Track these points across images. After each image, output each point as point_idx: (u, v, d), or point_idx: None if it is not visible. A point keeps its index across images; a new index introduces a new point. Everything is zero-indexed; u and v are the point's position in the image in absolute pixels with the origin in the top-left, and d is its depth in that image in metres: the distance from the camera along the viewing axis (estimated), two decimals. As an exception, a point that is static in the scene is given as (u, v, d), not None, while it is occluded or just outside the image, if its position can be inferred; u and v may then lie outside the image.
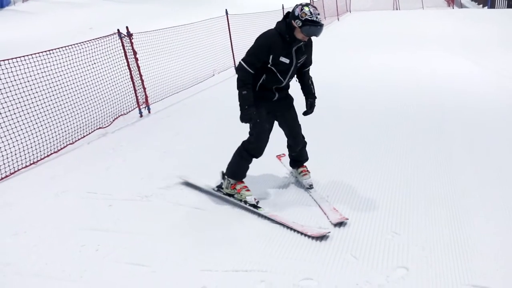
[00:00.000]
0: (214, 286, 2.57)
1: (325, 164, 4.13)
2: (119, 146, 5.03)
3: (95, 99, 5.79)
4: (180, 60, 7.44)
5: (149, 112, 6.21)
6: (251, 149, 3.36)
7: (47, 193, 3.88)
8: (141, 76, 6.08)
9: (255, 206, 3.33)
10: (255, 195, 3.45)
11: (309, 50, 3.32)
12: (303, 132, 3.64)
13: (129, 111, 6.00)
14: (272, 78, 3.23)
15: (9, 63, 4.64)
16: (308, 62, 3.41)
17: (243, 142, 3.44)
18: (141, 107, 6.07)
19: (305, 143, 3.65)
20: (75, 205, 3.64)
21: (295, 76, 3.44)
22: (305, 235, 2.98)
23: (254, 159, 3.44)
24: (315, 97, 3.52)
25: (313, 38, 3.18)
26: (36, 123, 4.89)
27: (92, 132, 5.36)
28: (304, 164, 3.74)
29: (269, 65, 3.15)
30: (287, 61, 3.14)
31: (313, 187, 3.63)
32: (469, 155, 4.37)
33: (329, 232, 2.97)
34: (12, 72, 4.74)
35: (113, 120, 5.70)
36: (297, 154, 3.69)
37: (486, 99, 6.37)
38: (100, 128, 5.48)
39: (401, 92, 6.84)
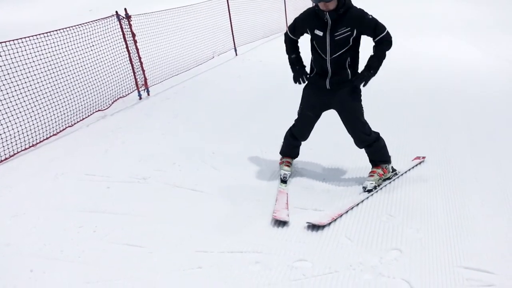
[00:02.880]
0: (209, 266, 2.60)
1: (313, 145, 4.07)
2: (118, 128, 5.04)
3: (94, 81, 5.78)
4: (180, 42, 7.39)
5: (148, 94, 6.20)
6: (294, 131, 3.48)
7: (46, 175, 3.91)
8: (140, 58, 6.05)
9: (281, 180, 3.50)
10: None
11: (354, 22, 2.95)
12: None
13: (128, 94, 5.99)
14: (315, 56, 3.15)
15: (6, 46, 4.62)
16: (368, 33, 3.02)
17: (294, 121, 3.48)
18: (140, 89, 6.05)
19: (370, 140, 3.27)
20: (73, 187, 3.67)
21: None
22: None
23: (303, 142, 3.55)
24: (371, 72, 3.05)
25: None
26: (35, 106, 4.91)
27: (91, 114, 5.37)
28: (380, 165, 3.37)
29: (311, 40, 3.13)
30: (320, 33, 3.01)
31: (366, 190, 3.28)
32: (468, 138, 4.34)
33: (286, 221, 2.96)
34: (10, 54, 4.72)
35: (112, 103, 5.70)
36: (367, 152, 3.39)
37: (487, 83, 6.31)
38: (99, 110, 5.48)
39: (399, 75, 6.79)
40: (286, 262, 2.61)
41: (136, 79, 6.00)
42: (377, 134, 3.34)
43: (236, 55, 8.48)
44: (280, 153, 3.66)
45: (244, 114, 5.34)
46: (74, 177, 3.85)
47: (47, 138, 4.76)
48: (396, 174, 3.53)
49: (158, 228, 3.01)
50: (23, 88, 4.98)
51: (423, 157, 3.83)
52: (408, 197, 3.26)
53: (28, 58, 4.99)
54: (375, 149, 3.34)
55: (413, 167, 3.70)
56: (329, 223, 2.92)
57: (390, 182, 3.46)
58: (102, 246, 2.85)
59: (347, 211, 3.07)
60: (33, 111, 4.83)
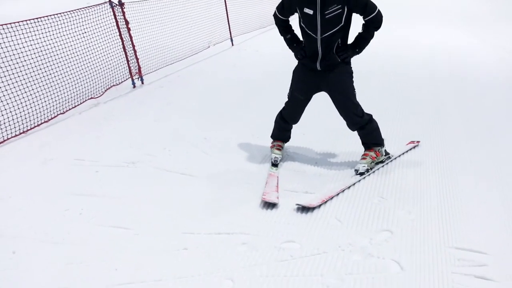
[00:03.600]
0: (195, 247, 2.55)
1: (305, 130, 4.04)
2: (110, 116, 4.98)
3: (87, 69, 5.71)
4: (174, 31, 7.31)
5: (142, 83, 6.13)
6: (284, 114, 3.41)
7: (35, 161, 3.85)
8: (133, 46, 5.98)
9: (272, 164, 3.44)
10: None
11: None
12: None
13: (122, 82, 5.92)
14: (305, 37, 3.03)
15: (-4, 31, 4.55)
16: (358, 11, 2.91)
17: (285, 104, 3.42)
18: (134, 77, 5.98)
19: (363, 122, 3.19)
20: (61, 172, 3.61)
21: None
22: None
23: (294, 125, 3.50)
24: (356, 50, 3.01)
25: None
26: (26, 93, 4.84)
27: (83, 102, 5.30)
28: (373, 148, 3.31)
29: (300, 21, 3.02)
30: (310, 11, 2.89)
31: (358, 173, 3.21)
32: (463, 124, 4.29)
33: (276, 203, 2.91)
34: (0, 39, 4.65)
35: (105, 91, 5.63)
36: (360, 135, 3.33)
37: (484, 70, 6.26)
38: (92, 98, 5.42)
39: (396, 61, 6.73)
40: (273, 243, 2.55)
41: (129, 67, 5.93)
42: (370, 116, 3.26)
43: (232, 45, 8.40)
44: (271, 136, 3.61)
45: (238, 101, 5.28)
46: (63, 162, 3.79)
47: (38, 125, 4.70)
48: (389, 157, 3.47)
49: (145, 211, 2.96)
50: (13, 74, 4.91)
51: (417, 142, 3.77)
52: (401, 180, 3.20)
53: (19, 44, 4.92)
54: (368, 131, 3.26)
55: (407, 151, 3.63)
56: (319, 205, 2.86)
57: (383, 166, 3.40)
58: (88, 228, 2.80)
59: (338, 194, 3.01)
60: (23, 98, 4.77)
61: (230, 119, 4.68)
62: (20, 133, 4.50)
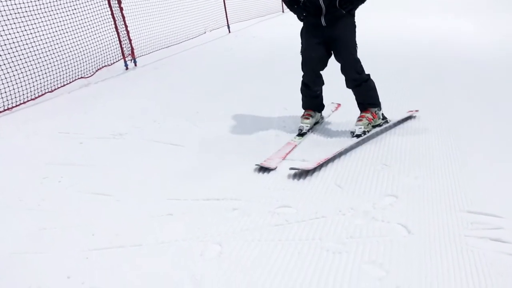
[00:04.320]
0: (181, 213, 2.33)
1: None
2: (100, 94, 4.77)
3: (77, 47, 5.49)
4: (170, 15, 7.10)
5: (136, 65, 5.93)
6: (304, 78, 3.25)
7: (18, 135, 3.64)
8: (126, 26, 5.77)
9: (298, 134, 3.23)
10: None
11: None
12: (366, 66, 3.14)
13: (114, 63, 5.71)
14: None
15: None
16: None
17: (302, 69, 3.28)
18: (126, 59, 5.77)
19: (361, 79, 3.10)
20: (44, 144, 3.40)
21: None
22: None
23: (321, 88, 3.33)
24: (355, 1, 2.95)
25: None
26: (11, 68, 4.62)
27: (73, 81, 5.08)
28: (369, 109, 3.19)
29: None
30: None
31: (355, 135, 3.07)
32: (466, 94, 4.08)
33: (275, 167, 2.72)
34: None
35: (96, 71, 5.42)
36: (356, 94, 3.21)
37: (482, 50, 6.09)
38: (82, 78, 5.20)
39: (399, 44, 6.55)
40: (267, 208, 2.33)
41: (122, 48, 5.72)
42: (368, 75, 3.16)
43: (229, 32, 8.19)
44: (302, 107, 3.41)
45: (233, 79, 5.08)
46: (46, 135, 3.58)
47: (24, 103, 4.48)
48: (387, 122, 3.31)
49: (129, 178, 2.74)
50: (-1, 49, 4.70)
51: (416, 110, 3.58)
52: (405, 146, 2.98)
53: (7, 20, 4.71)
54: (365, 89, 3.15)
55: (405, 118, 3.44)
56: (315, 168, 2.64)
57: (381, 131, 3.19)
58: (66, 195, 2.58)
59: (334, 156, 2.81)
60: (8, 73, 4.55)
61: (223, 95, 4.47)
62: (5, 110, 4.29)
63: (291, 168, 2.63)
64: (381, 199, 2.36)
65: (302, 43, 3.19)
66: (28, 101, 4.53)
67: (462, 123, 3.34)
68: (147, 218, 2.30)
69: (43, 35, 5.12)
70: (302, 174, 2.62)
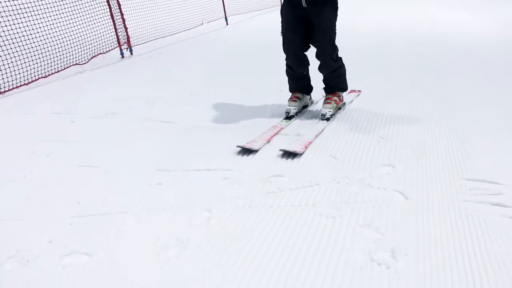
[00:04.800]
0: (170, 183, 2.25)
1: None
2: (95, 80, 4.70)
3: (71, 33, 5.41)
4: (168, 4, 7.04)
5: (131, 53, 5.86)
6: (286, 60, 3.11)
7: (8, 116, 3.56)
8: (122, 14, 5.71)
9: (286, 117, 3.11)
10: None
11: None
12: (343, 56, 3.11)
13: (109, 50, 5.64)
14: None
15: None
16: None
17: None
18: (122, 47, 5.70)
19: (336, 66, 3.04)
20: (35, 123, 3.32)
21: None
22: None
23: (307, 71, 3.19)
24: None
25: None
26: (3, 52, 4.54)
27: (68, 67, 5.01)
28: (336, 92, 3.17)
29: None
30: None
31: (325, 118, 3.01)
32: (464, 76, 4.01)
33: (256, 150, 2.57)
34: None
35: (91, 58, 5.35)
36: (328, 78, 3.13)
37: (479, 39, 6.06)
38: (76, 64, 5.13)
39: (397, 34, 6.49)
40: (259, 177, 2.26)
41: (117, 36, 5.66)
42: (342, 60, 3.11)
43: (227, 24, 8.14)
44: (289, 90, 3.29)
45: (229, 66, 5.01)
46: (38, 115, 3.51)
47: (16, 87, 4.41)
48: (344, 104, 3.32)
49: (119, 152, 2.67)
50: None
51: (359, 91, 3.67)
52: (402, 122, 2.92)
53: (2, 7, 4.65)
54: (338, 75, 3.10)
55: (352, 100, 3.48)
56: (304, 151, 2.53)
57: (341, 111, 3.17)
58: (53, 168, 2.50)
59: (315, 138, 2.72)
60: (0, 58, 4.48)
61: (219, 79, 4.41)
62: (-3, 94, 4.22)
63: (282, 150, 2.51)
64: (378, 168, 2.29)
65: (282, 23, 3.02)
66: (21, 85, 4.46)
67: (461, 99, 3.30)
68: (135, 187, 2.22)
69: (36, 19, 5.05)
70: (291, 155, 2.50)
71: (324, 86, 3.20)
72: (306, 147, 2.55)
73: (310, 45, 3.02)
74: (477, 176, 2.14)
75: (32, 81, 4.58)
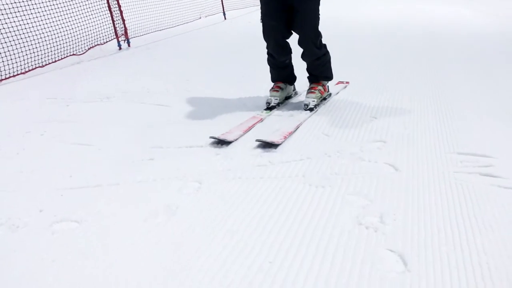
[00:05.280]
0: (162, 158, 2.26)
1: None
2: (91, 69, 4.71)
3: (69, 23, 5.42)
4: (165, -1, 7.07)
5: (129, 45, 5.87)
6: (267, 48, 2.97)
7: (2, 102, 3.56)
8: (119, 6, 5.72)
9: (267, 108, 2.94)
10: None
11: None
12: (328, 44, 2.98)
13: (106, 42, 5.65)
14: None
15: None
16: None
17: None
18: (119, 39, 5.71)
19: (320, 53, 2.89)
20: (30, 108, 3.33)
21: None
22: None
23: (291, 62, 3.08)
24: None
25: None
26: None
27: (65, 57, 5.02)
28: (321, 81, 3.02)
29: None
30: None
31: (309, 109, 2.87)
32: (460, 61, 4.02)
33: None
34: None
35: (89, 49, 5.36)
36: (312, 67, 3.00)
37: (477, 29, 6.10)
38: (74, 55, 5.14)
39: (395, 29, 6.51)
40: (251, 152, 2.26)
41: (115, 27, 5.67)
42: (326, 47, 2.96)
43: (225, 19, 8.15)
44: (271, 79, 3.17)
45: (226, 56, 5.03)
46: (33, 101, 3.51)
47: (13, 76, 4.42)
48: (330, 95, 3.19)
49: (113, 131, 2.67)
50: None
51: (347, 82, 3.54)
52: (395, 103, 2.95)
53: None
54: (322, 63, 2.96)
55: (339, 91, 3.34)
56: (283, 142, 2.36)
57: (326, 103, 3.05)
58: (47, 145, 2.51)
59: (295, 130, 2.55)
60: (-3, 46, 4.49)
61: (216, 68, 4.42)
62: (-7, 82, 4.23)
63: (258, 141, 2.34)
64: (369, 144, 2.30)
65: (261, 9, 2.88)
66: (17, 74, 4.47)
67: (455, 84, 3.30)
68: (127, 162, 2.23)
69: (34, 9, 5.06)
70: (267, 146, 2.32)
71: (308, 75, 3.08)
72: (285, 137, 2.39)
73: (292, 32, 2.87)
74: (468, 150, 2.15)
75: (29, 70, 4.58)
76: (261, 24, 2.91)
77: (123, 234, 1.60)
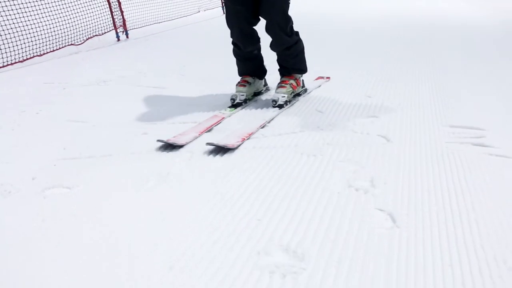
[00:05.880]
0: (155, 132, 2.26)
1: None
2: (89, 58, 4.72)
3: (67, 13, 5.43)
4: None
5: (127, 37, 5.87)
6: (231, 36, 2.65)
7: (1, 88, 3.58)
8: (118, -4, 5.74)
9: (232, 105, 2.60)
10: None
11: None
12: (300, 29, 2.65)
13: (105, 32, 5.66)
14: None
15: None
16: None
17: None
18: (118, 30, 5.73)
19: (291, 42, 2.53)
20: (25, 91, 3.33)
21: None
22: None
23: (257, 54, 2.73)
24: None
25: None
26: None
27: (63, 47, 5.03)
28: (293, 74, 2.66)
29: None
30: None
31: (277, 105, 2.50)
32: (458, 48, 4.02)
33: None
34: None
35: (87, 39, 5.37)
36: (282, 58, 2.64)
37: (474, 21, 6.12)
38: (72, 44, 5.15)
39: (397, 20, 6.52)
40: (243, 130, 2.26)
41: (113, 18, 5.68)
42: (298, 35, 2.61)
43: (224, 13, 8.15)
44: (238, 73, 2.81)
45: (225, 45, 5.00)
46: (30, 85, 3.52)
47: (11, 64, 4.43)
48: (305, 90, 2.82)
49: (108, 110, 2.68)
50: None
51: (327, 78, 3.18)
52: (390, 83, 2.95)
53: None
54: (294, 53, 2.59)
55: (319, 86, 3.00)
56: (239, 145, 2.01)
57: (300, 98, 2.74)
58: (42, 123, 2.52)
59: (258, 130, 2.19)
60: (-4, 35, 4.50)
61: (212, 55, 4.43)
62: (-9, 69, 4.24)
63: (209, 144, 1.97)
64: (363, 118, 2.31)
65: None
66: (15, 62, 4.48)
67: (449, 66, 3.31)
68: (121, 136, 2.23)
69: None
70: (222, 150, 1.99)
71: (278, 67, 2.73)
72: (243, 140, 2.04)
73: (260, 18, 2.54)
74: (460, 124, 2.16)
75: (27, 59, 4.59)
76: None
77: (114, 198, 1.61)
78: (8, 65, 4.39)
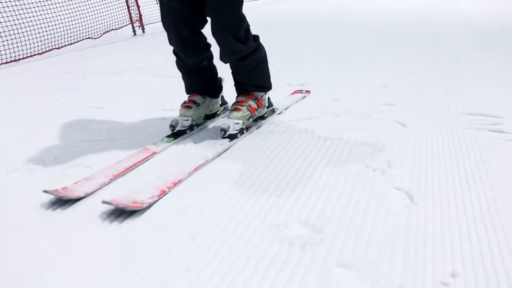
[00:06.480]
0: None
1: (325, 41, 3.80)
2: (106, 50, 4.80)
3: (85, 7, 5.52)
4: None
5: (144, 31, 5.96)
6: (169, 43, 2.07)
7: (19, 77, 3.66)
8: (134, -8, 5.82)
9: (171, 133, 2.01)
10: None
11: None
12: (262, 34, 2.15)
13: (121, 27, 5.74)
14: None
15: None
16: None
17: None
18: (134, 24, 5.80)
19: (247, 50, 1.91)
20: (45, 81, 3.41)
21: None
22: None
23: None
24: None
25: None
26: (18, 21, 4.66)
27: (80, 40, 5.12)
28: (252, 93, 2.03)
29: None
30: None
31: (227, 136, 1.89)
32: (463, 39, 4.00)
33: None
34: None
35: (104, 33, 5.45)
36: (237, 71, 2.02)
37: (475, 16, 6.06)
38: (89, 38, 5.24)
39: (405, 16, 6.50)
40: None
41: (130, 13, 5.76)
42: (257, 40, 1.98)
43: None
44: (185, 91, 2.20)
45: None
46: (50, 75, 3.60)
47: (31, 56, 4.53)
48: (274, 110, 2.22)
49: (126, 97, 2.74)
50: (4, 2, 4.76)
51: (307, 91, 2.63)
52: (404, 75, 2.95)
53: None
54: (250, 64, 1.95)
55: (297, 101, 2.48)
56: (152, 204, 1.42)
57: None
58: (61, 109, 2.57)
59: (190, 174, 1.61)
60: (16, 28, 4.60)
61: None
62: (11, 61, 4.33)
63: (104, 202, 1.38)
64: (379, 106, 2.31)
65: None
66: (34, 55, 4.57)
67: (459, 59, 3.30)
68: (140, 121, 2.28)
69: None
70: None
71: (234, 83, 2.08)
72: (162, 193, 1.47)
73: (206, 19, 1.92)
74: (478, 111, 2.15)
75: (46, 51, 4.68)
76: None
77: (132, 174, 1.64)
78: (27, 57, 4.48)
